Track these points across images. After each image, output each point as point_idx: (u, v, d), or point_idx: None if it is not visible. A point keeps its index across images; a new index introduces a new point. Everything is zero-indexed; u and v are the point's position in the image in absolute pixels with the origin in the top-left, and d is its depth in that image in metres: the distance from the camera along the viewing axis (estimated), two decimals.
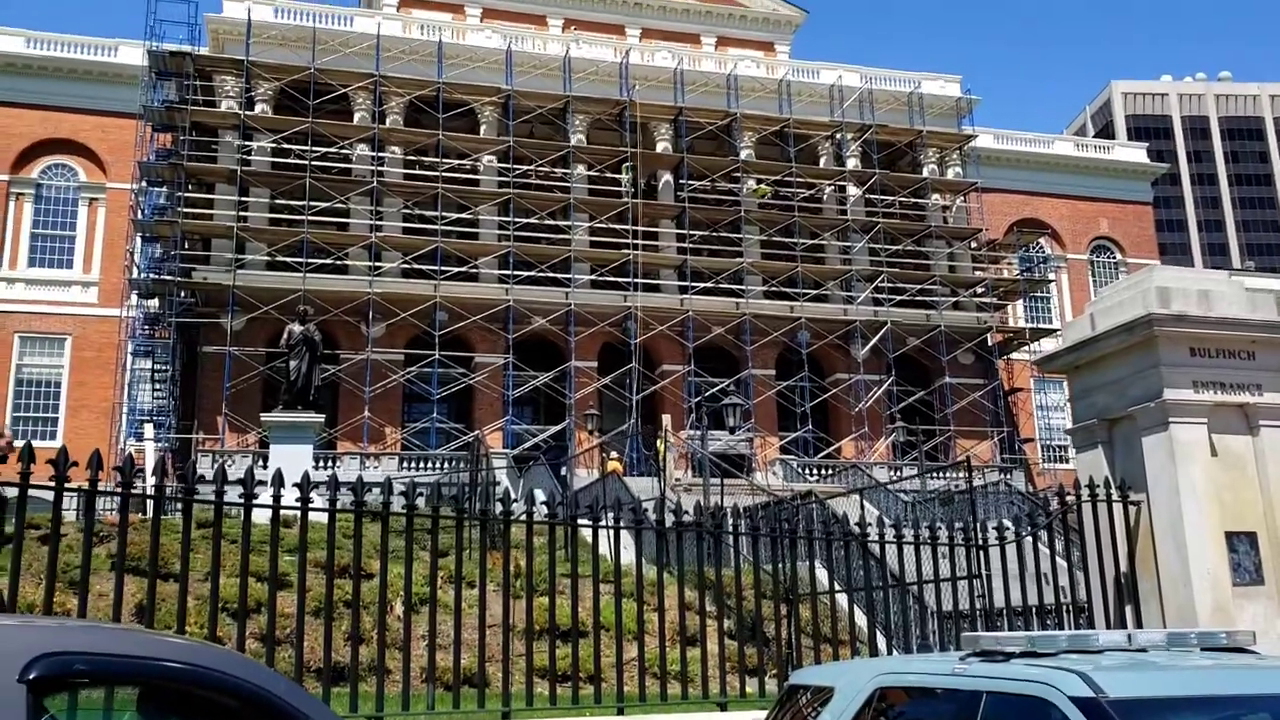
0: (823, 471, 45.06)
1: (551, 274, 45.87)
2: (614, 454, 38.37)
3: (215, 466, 31.10)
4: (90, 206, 49.05)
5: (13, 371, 46.15)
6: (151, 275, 42.56)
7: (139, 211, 43.75)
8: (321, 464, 35.56)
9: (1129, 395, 10.10)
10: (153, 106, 43.87)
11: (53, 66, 49.29)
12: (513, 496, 31.42)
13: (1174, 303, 9.79)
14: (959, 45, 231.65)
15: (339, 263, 44.38)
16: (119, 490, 6.91)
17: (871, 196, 50.49)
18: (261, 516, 8.20)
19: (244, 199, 43.55)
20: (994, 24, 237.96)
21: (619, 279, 46.32)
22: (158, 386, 43.24)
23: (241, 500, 7.42)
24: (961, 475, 42.34)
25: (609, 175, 48.37)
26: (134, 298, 43.79)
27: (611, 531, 10.01)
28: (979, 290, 51.73)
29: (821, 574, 13.38)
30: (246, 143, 44.32)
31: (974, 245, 52.78)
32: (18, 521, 6.45)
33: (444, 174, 45.48)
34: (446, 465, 40.34)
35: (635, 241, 46.32)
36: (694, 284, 47.06)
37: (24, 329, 46.77)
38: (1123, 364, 10.18)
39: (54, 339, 47.05)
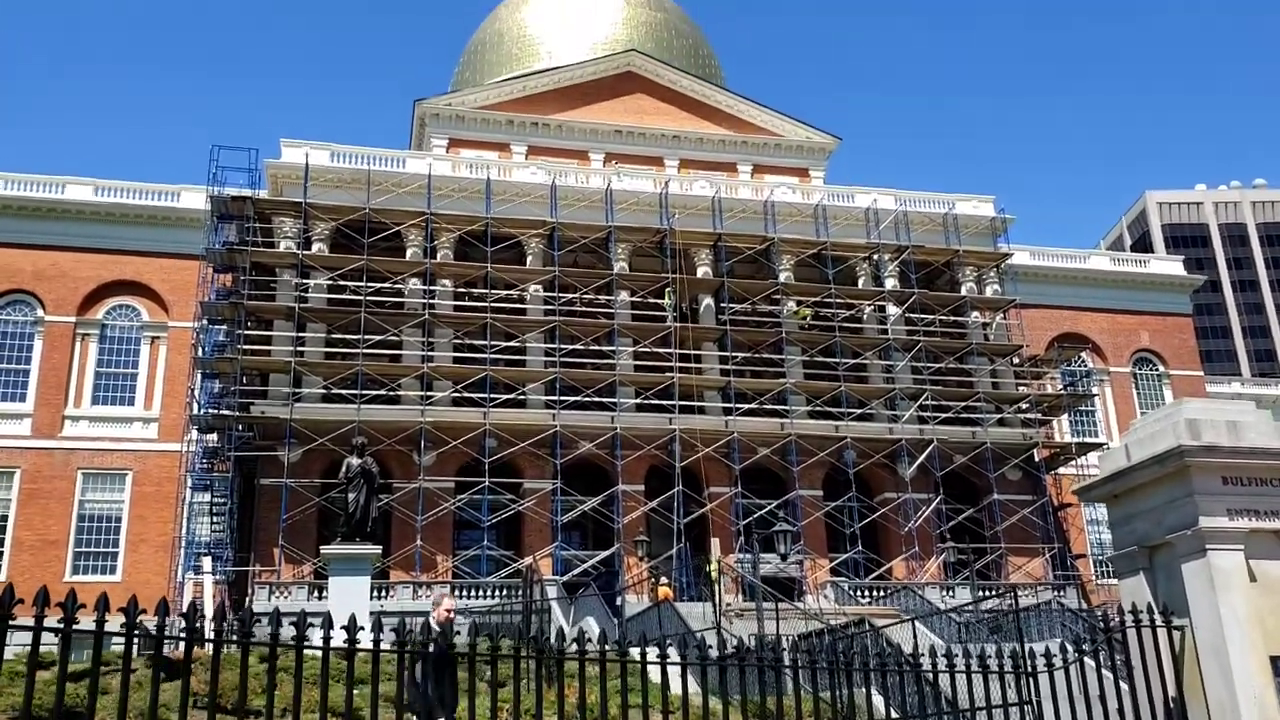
0: (874, 593, 44.75)
1: (597, 398, 46.68)
2: (664, 579, 38.52)
3: (273, 599, 31.53)
4: (152, 345, 50.82)
5: (75, 508, 47.35)
6: (211, 410, 43.84)
7: (199, 349, 45.31)
8: (376, 593, 36.03)
9: (1166, 523, 10.48)
10: (214, 248, 45.82)
11: (119, 212, 51.73)
12: (565, 628, 31.64)
13: (1204, 434, 10.25)
14: (992, 161, 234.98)
15: (392, 393, 45.50)
16: (183, 634, 7.10)
17: (911, 315, 51.16)
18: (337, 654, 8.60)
19: (301, 334, 45.07)
20: (1025, 139, 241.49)
21: (663, 401, 47.02)
22: (215, 519, 44.14)
23: (320, 644, 7.66)
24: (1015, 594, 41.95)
25: (651, 300, 49.53)
26: (194, 432, 45.03)
27: (673, 666, 10.44)
28: (1023, 406, 51.85)
29: (877, 700, 13.67)
30: (304, 280, 46.00)
31: (1016, 361, 53.08)
32: None
33: (492, 304, 46.83)
34: (498, 593, 40.63)
35: (679, 365, 47.14)
36: (738, 405, 47.64)
37: (87, 465, 48.11)
38: (1158, 493, 10.59)
39: (115, 474, 48.32)
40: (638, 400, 47.80)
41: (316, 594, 38.34)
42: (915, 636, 14.15)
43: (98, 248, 51.05)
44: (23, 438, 47.79)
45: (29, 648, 6.45)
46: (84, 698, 8.92)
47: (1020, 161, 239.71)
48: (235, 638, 7.64)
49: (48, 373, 49.02)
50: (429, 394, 45.20)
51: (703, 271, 51.02)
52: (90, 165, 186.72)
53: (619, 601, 37.91)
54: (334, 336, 45.99)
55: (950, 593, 44.69)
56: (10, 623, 6.17)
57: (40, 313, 49.79)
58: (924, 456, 48.29)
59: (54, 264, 50.32)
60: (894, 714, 13.42)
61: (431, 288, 46.96)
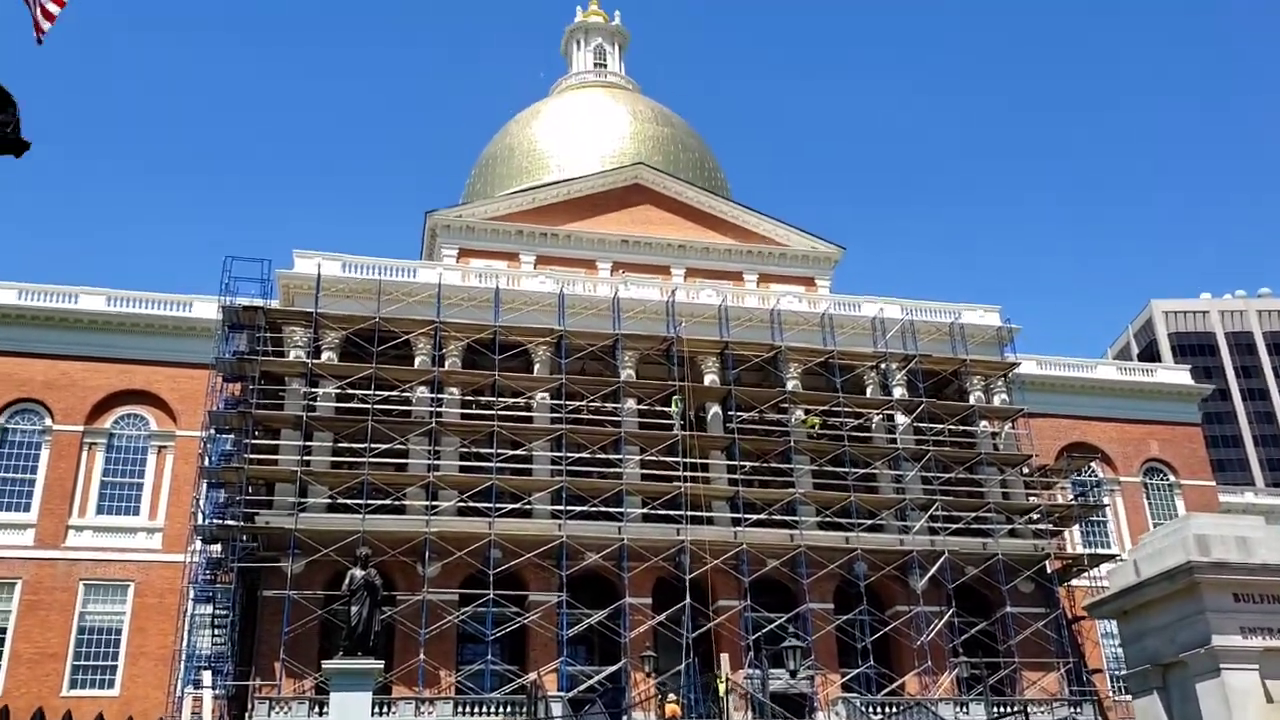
0: (887, 710, 43.67)
1: (604, 508, 46.34)
2: (672, 696, 37.71)
3: (273, 716, 30.89)
4: (159, 454, 50.83)
5: (76, 620, 46.81)
6: (215, 520, 43.60)
7: (206, 458, 45.25)
8: (378, 710, 35.30)
9: (1179, 641, 10.29)
10: (224, 358, 46.12)
11: (130, 322, 52.28)
12: None
13: (1213, 550, 10.11)
14: (997, 270, 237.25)
15: (397, 503, 45.23)
16: None
17: (920, 425, 51.01)
18: None
19: (308, 443, 45.01)
20: (1030, 248, 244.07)
21: (671, 511, 46.61)
22: (217, 632, 43.52)
23: None
24: (1032, 711, 40.96)
25: (658, 409, 49.49)
26: (197, 543, 44.69)
27: None
28: (1034, 516, 51.31)
29: None
30: (312, 389, 46.16)
31: (1026, 471, 52.69)
32: None
33: (499, 412, 46.86)
34: (501, 710, 39.77)
35: (686, 474, 46.87)
36: (747, 516, 47.19)
37: (89, 576, 47.71)
38: (1169, 610, 10.41)
39: (117, 585, 47.87)
40: (645, 510, 47.43)
41: (318, 710, 37.61)
42: None
43: (108, 357, 51.47)
44: (25, 548, 47.51)
45: None
46: None
47: (1025, 270, 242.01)
48: None
49: (53, 482, 48.94)
50: (434, 503, 44.93)
51: (710, 379, 51.10)
52: (102, 274, 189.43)
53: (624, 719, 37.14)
54: (341, 445, 45.95)
55: (964, 709, 43.64)
56: None
57: (48, 422, 49.94)
58: (935, 568, 47.63)
59: (64, 373, 50.67)
60: None
61: (439, 395, 47.07)
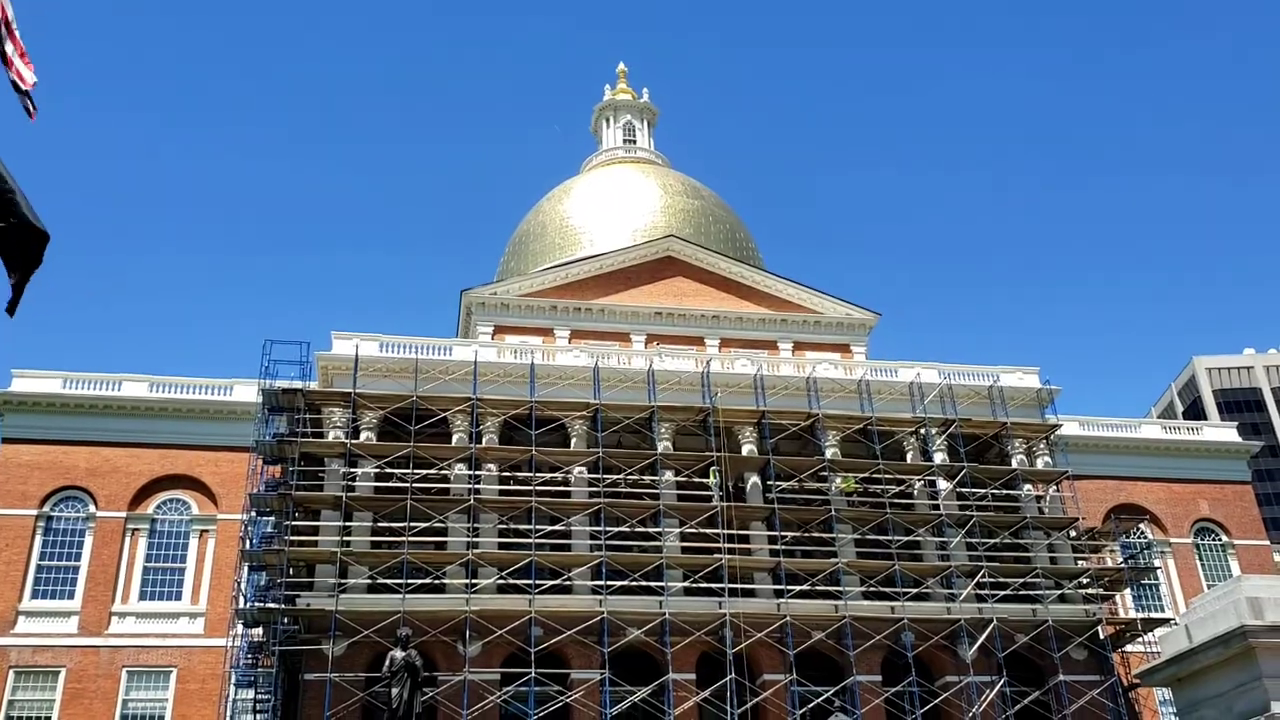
0: None
1: (644, 582, 45.89)
2: None
3: None
4: (201, 538, 51.11)
5: (119, 708, 46.75)
6: (257, 604, 43.57)
7: (247, 541, 45.41)
8: None
9: (1236, 710, 9.95)
10: (264, 440, 46.49)
11: (172, 408, 52.95)
12: None
13: (1267, 613, 9.81)
14: (1034, 332, 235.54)
15: (437, 581, 45.06)
16: None
17: (962, 490, 50.34)
18: None
19: (348, 524, 45.10)
20: (1067, 310, 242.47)
21: (712, 584, 46.08)
22: (259, 717, 43.31)
23: None
24: None
25: (696, 480, 49.20)
26: (239, 627, 44.66)
27: None
28: (1084, 581, 50.23)
29: None
30: (351, 469, 46.36)
31: (1073, 534, 51.72)
32: None
33: (537, 487, 46.77)
34: None
35: (727, 545, 46.41)
36: (789, 587, 46.57)
37: (131, 663, 47.74)
38: (1224, 677, 10.09)
39: (160, 672, 47.85)
40: (686, 583, 46.94)
41: None
42: None
43: (151, 443, 52.07)
44: (69, 635, 47.70)
45: None
46: None
47: (1064, 331, 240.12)
48: None
49: (96, 569, 49.26)
50: (474, 581, 44.71)
51: (748, 449, 50.82)
52: (143, 361, 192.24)
53: None
54: (380, 525, 45.99)
55: None
56: None
57: (92, 509, 50.43)
58: (984, 637, 46.64)
59: (107, 460, 51.27)
60: None
61: (477, 472, 47.10)
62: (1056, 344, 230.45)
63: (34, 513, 49.62)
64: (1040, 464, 53.18)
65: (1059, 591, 49.53)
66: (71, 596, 48.78)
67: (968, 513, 49.47)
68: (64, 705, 46.20)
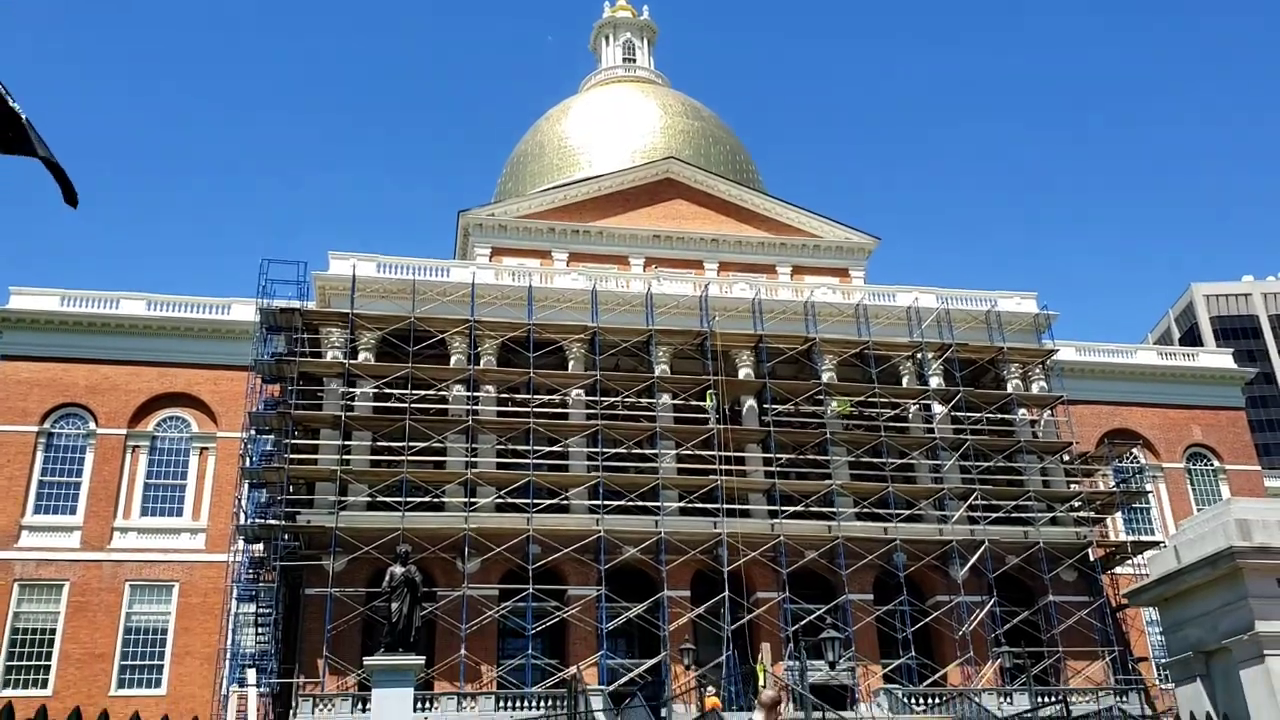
0: (929, 701, 43.43)
1: (641, 503, 46.40)
2: (711, 689, 37.73)
3: (317, 713, 31.24)
4: (201, 455, 51.47)
5: (122, 620, 47.50)
6: (257, 520, 44.06)
7: (247, 459, 45.76)
8: (420, 705, 35.55)
9: (1221, 628, 10.17)
10: (263, 360, 46.58)
11: (170, 326, 52.92)
12: None
13: (1255, 534, 9.98)
14: (1033, 256, 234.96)
15: (436, 500, 45.53)
16: None
17: (957, 414, 50.66)
18: None
19: (347, 443, 45.40)
20: (1066, 234, 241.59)
21: (708, 505, 46.62)
22: (260, 631, 44.00)
23: None
24: (1075, 701, 40.65)
25: (693, 403, 49.44)
26: (240, 543, 45.22)
27: None
28: (1075, 504, 50.83)
29: None
30: (350, 389, 46.54)
31: (1066, 459, 52.21)
32: None
33: (535, 409, 47.02)
34: (543, 704, 39.96)
35: (722, 467, 46.83)
36: (784, 508, 47.10)
37: (134, 577, 48.41)
38: (1211, 596, 10.30)
39: (162, 586, 48.54)
40: (681, 504, 47.47)
41: (360, 706, 37.95)
42: None
43: (149, 360, 52.13)
44: (72, 550, 48.27)
45: None
46: None
47: (1062, 256, 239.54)
48: None
49: (98, 485, 49.67)
50: (472, 500, 45.18)
51: (744, 373, 50.99)
52: (140, 279, 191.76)
53: (665, 712, 37.17)
54: (379, 444, 46.31)
55: (1008, 699, 43.34)
56: None
57: (92, 426, 50.70)
58: (976, 558, 47.31)
59: (106, 378, 51.39)
60: None
61: (475, 394, 47.29)
62: (1055, 270, 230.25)
63: (34, 429, 49.89)
64: (1035, 389, 53.46)
65: (1050, 515, 50.16)
66: (73, 512, 49.27)
67: (962, 437, 49.86)
68: (69, 617, 46.93)
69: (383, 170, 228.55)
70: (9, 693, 43.88)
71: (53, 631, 46.77)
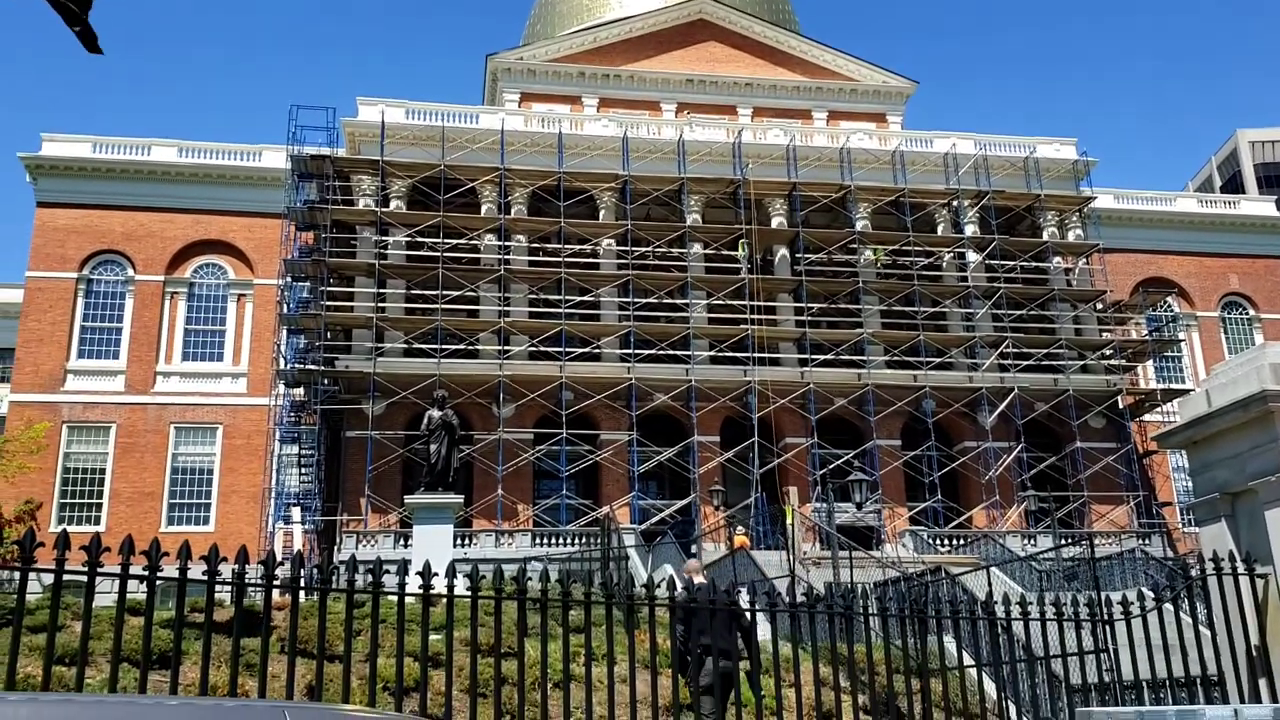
0: (954, 542, 44.56)
1: (672, 351, 46.85)
2: (740, 529, 38.79)
3: (360, 548, 32.46)
4: (239, 302, 52.13)
5: (169, 461, 49.00)
6: (297, 365, 44.94)
7: (284, 306, 46.37)
8: (460, 541, 36.85)
9: (1249, 470, 10.35)
10: (296, 207, 46.69)
11: (202, 173, 52.87)
12: (643, 575, 32.09)
13: None
14: (1075, 100, 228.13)
15: (470, 348, 46.17)
16: (263, 581, 7.50)
17: (991, 262, 50.33)
18: (415, 598, 8.81)
19: (381, 290, 45.86)
20: (1109, 79, 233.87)
21: (738, 354, 47.01)
22: (304, 471, 45.39)
23: (396, 590, 8.00)
24: (1099, 543, 41.50)
25: (725, 252, 49.34)
26: (280, 387, 46.22)
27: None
28: (1107, 353, 50.84)
29: (951, 646, 13.74)
30: (383, 238, 46.72)
31: (1099, 307, 51.97)
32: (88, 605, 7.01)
33: (566, 259, 47.13)
34: (577, 541, 41.29)
35: (754, 316, 47.03)
36: (814, 356, 47.42)
37: (179, 420, 49.71)
38: (1240, 439, 10.45)
39: (206, 428, 49.87)
40: (712, 353, 47.87)
41: (403, 542, 39.38)
42: (990, 584, 14.15)
43: (183, 208, 52.28)
44: (117, 393, 49.46)
45: (118, 595, 6.88)
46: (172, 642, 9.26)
47: (1104, 101, 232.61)
48: (326, 585, 8.00)
49: (139, 331, 50.56)
50: (506, 348, 45.78)
51: (777, 222, 50.65)
52: (171, 126, 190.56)
53: (695, 550, 38.33)
54: (413, 292, 46.73)
55: (1032, 541, 44.33)
56: (100, 570, 6.60)
57: (130, 272, 51.29)
58: (1005, 405, 47.71)
59: (142, 224, 51.72)
60: (968, 660, 13.51)
61: (506, 244, 47.36)
62: (1096, 116, 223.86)
63: (74, 275, 50.55)
64: (1072, 237, 52.87)
65: (1082, 363, 50.25)
66: (116, 357, 50.30)
67: (995, 285, 49.66)
68: (117, 458, 48.48)
69: (412, 15, 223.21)
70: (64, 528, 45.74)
71: (103, 471, 48.39)
